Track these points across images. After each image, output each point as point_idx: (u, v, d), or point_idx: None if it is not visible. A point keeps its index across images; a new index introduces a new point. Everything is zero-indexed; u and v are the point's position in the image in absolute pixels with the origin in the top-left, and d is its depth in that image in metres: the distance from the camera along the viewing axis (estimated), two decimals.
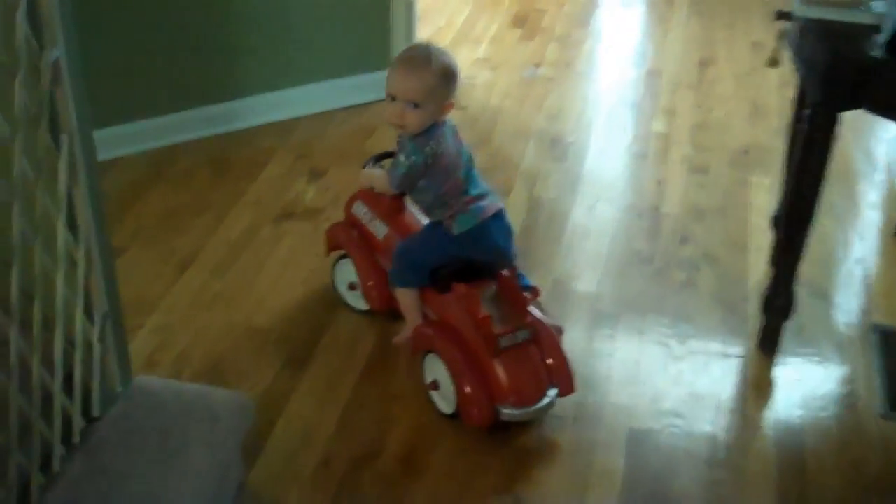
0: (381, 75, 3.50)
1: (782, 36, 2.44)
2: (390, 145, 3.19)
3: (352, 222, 2.55)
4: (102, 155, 3.10)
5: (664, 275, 2.75)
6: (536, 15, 4.37)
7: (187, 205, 2.95)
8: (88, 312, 1.81)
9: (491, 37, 4.16)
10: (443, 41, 4.07)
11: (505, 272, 2.25)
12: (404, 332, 2.38)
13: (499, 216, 2.28)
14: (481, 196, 2.26)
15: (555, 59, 3.99)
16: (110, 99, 3.09)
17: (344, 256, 2.53)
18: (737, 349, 2.48)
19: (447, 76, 2.19)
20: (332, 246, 2.57)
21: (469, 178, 2.26)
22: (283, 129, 3.35)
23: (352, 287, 2.52)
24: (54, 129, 1.64)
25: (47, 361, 1.68)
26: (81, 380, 1.78)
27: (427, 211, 2.34)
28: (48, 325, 1.68)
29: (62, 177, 1.64)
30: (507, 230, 2.32)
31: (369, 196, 2.47)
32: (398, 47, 3.65)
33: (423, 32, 4.09)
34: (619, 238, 2.90)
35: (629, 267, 2.78)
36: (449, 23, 4.26)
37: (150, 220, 2.88)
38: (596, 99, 3.71)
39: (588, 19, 4.35)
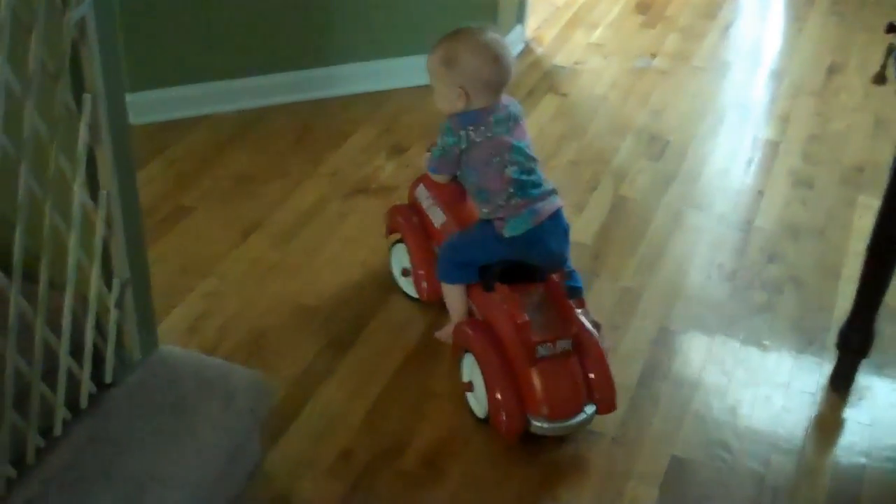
0: None
1: (892, 50, 2.23)
2: None
3: (414, 206, 2.47)
4: (191, 111, 3.14)
5: (743, 294, 2.57)
6: (662, 1, 4.17)
7: (264, 169, 2.91)
8: (107, 277, 1.79)
9: (609, 21, 3.98)
10: (556, 23, 3.93)
11: (555, 276, 2.14)
12: (447, 328, 2.30)
13: (555, 217, 2.17)
14: (538, 197, 2.15)
15: (672, 50, 3.79)
16: (203, 56, 3.09)
17: (401, 240, 2.46)
18: (807, 384, 2.30)
19: (446, 61, 2.14)
20: (391, 228, 2.50)
21: (523, 178, 2.14)
22: (374, 100, 3.28)
23: (405, 273, 2.44)
24: (78, 89, 1.61)
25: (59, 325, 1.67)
26: (93, 346, 1.76)
27: (474, 202, 2.25)
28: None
29: (82, 137, 1.61)
30: (562, 232, 2.20)
31: (432, 181, 2.38)
32: (506, 25, 3.54)
33: (539, 12, 3.96)
34: (701, 249, 2.73)
35: (706, 281, 2.61)
36: (568, 2, 4.10)
37: (224, 182, 2.86)
38: (707, 97, 3.50)
39: (717, 11, 4.12)
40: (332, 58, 3.25)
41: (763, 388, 2.29)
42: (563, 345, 2.04)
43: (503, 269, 2.14)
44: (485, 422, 2.11)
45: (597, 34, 3.88)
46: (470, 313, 2.26)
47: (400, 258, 2.46)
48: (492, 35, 2.18)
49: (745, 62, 3.80)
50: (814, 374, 2.33)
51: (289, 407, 2.15)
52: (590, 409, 2.07)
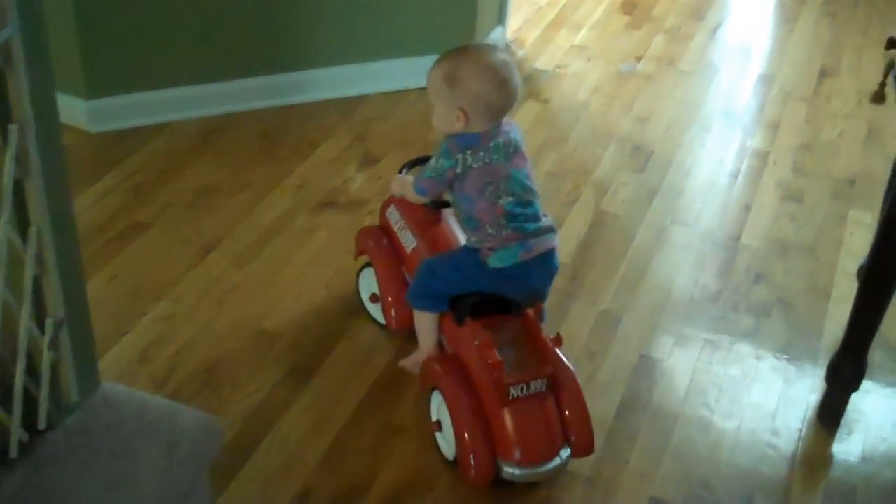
0: None
1: (892, 67, 2.10)
2: None
3: (385, 228, 2.32)
4: (151, 119, 3.00)
5: (728, 318, 2.44)
6: (648, 1, 4.03)
7: (227, 182, 2.77)
8: (41, 317, 1.65)
9: (594, 22, 3.84)
10: (539, 23, 3.79)
11: (530, 311, 2.00)
12: (414, 356, 2.17)
13: (546, 256, 2.03)
14: (532, 233, 2.00)
15: (658, 53, 3.65)
16: (165, 60, 2.94)
17: (370, 264, 2.31)
18: (793, 417, 2.18)
19: (449, 80, 1.97)
20: (360, 251, 2.36)
21: (517, 210, 1.98)
22: (346, 106, 3.14)
23: (373, 299, 2.30)
24: (4, 119, 1.47)
25: None
26: (24, 391, 1.62)
27: (462, 229, 2.11)
28: None
29: (7, 171, 1.47)
30: (549, 272, 2.07)
31: (405, 202, 2.23)
32: (485, 27, 3.40)
33: (521, 11, 3.82)
34: (684, 268, 2.60)
35: (690, 304, 2.48)
36: (552, 2, 3.95)
37: (183, 196, 2.72)
38: (693, 104, 3.36)
39: (705, 11, 3.98)
40: (299, 62, 3.11)
41: (748, 421, 2.17)
42: (538, 385, 1.90)
43: (477, 301, 2.00)
44: (453, 463, 1.98)
45: (580, 36, 3.74)
46: (440, 344, 2.13)
47: (369, 283, 2.32)
48: (501, 56, 2.02)
49: (734, 65, 3.66)
50: (801, 406, 2.21)
51: (243, 444, 2.02)
52: (565, 453, 1.94)
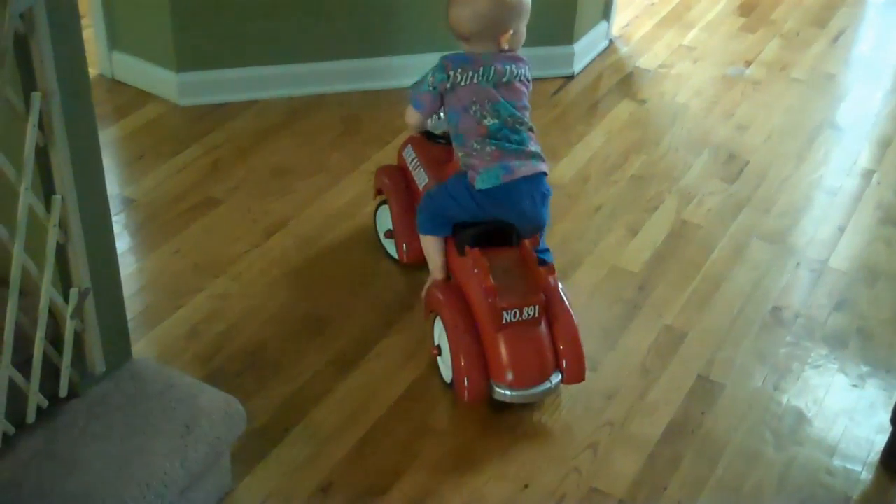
0: (561, 50, 3.23)
1: None
2: (549, 126, 2.99)
3: (401, 167, 2.43)
4: (238, 96, 3.01)
5: (800, 345, 2.30)
6: (769, 3, 3.84)
7: (304, 163, 2.77)
8: (66, 285, 1.67)
9: (707, 22, 3.69)
10: (648, 20, 3.66)
11: (527, 242, 2.10)
12: (427, 284, 2.24)
13: (533, 180, 2.11)
14: (514, 153, 2.09)
15: (771, 58, 3.48)
16: (255, 38, 2.95)
17: (386, 202, 2.42)
18: (854, 458, 2.04)
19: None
20: (378, 189, 2.46)
21: (501, 130, 2.09)
22: None
23: (388, 235, 2.42)
24: (28, 86, 1.48)
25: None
26: (43, 357, 1.64)
27: (454, 149, 2.20)
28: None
29: (29, 138, 1.48)
30: (539, 196, 2.14)
31: (419, 142, 2.37)
32: (588, 21, 3.30)
33: (631, 7, 3.70)
34: (762, 288, 2.46)
35: (761, 327, 2.35)
36: None
37: (258, 175, 2.72)
38: (800, 114, 3.18)
39: (829, 17, 3.77)
40: (388, 47, 3.07)
41: (802, 457, 2.03)
42: (530, 311, 2.00)
43: (477, 232, 2.10)
44: (451, 386, 2.08)
45: (690, 36, 3.59)
46: (447, 272, 2.21)
47: (385, 219, 2.43)
48: None
49: (851, 77, 3.46)
50: (864, 447, 2.06)
51: (274, 429, 2.01)
52: (556, 378, 2.04)
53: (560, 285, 2.11)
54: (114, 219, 2.46)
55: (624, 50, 3.47)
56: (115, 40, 3.02)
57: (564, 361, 2.05)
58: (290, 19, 2.95)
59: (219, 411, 1.79)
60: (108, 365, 1.79)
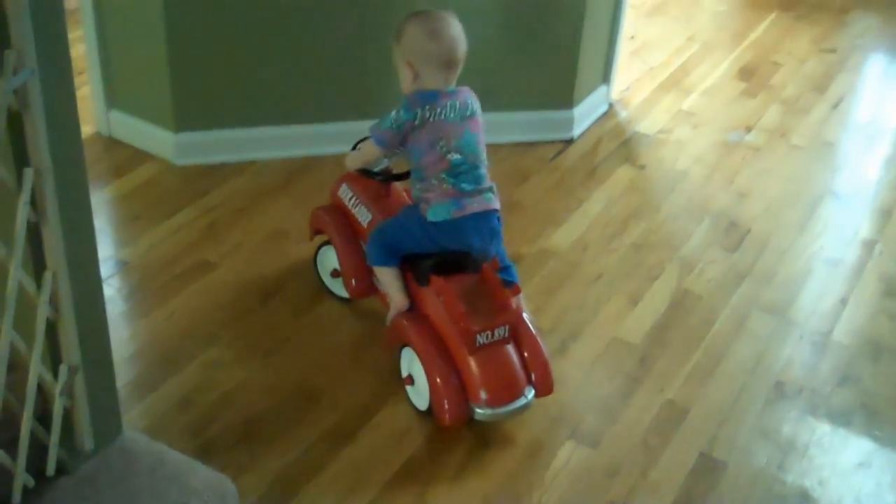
0: (560, 115, 3.21)
1: None
2: (548, 191, 3.02)
3: (337, 206, 2.47)
4: (236, 156, 2.99)
5: (805, 421, 2.26)
6: (768, 68, 3.84)
7: (299, 227, 2.73)
8: (55, 361, 1.62)
9: (707, 87, 3.68)
10: (648, 84, 3.65)
11: (487, 266, 2.19)
12: (390, 313, 2.26)
13: (482, 217, 2.17)
14: (469, 193, 2.16)
15: (771, 125, 3.47)
16: (253, 99, 2.94)
17: (328, 242, 2.45)
18: None
19: (396, 36, 2.21)
20: (315, 230, 2.50)
21: (463, 168, 2.16)
22: None
23: (335, 274, 2.44)
24: (20, 161, 1.45)
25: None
26: (30, 434, 1.59)
27: (410, 181, 2.26)
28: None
29: (20, 215, 1.44)
30: (489, 233, 2.19)
31: (355, 179, 2.42)
32: (588, 85, 3.29)
33: (630, 70, 3.70)
34: (765, 361, 2.43)
35: (765, 402, 2.31)
36: (665, 63, 3.82)
37: (254, 238, 2.69)
38: (801, 182, 3.16)
39: (828, 83, 3.77)
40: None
41: None
42: (501, 332, 2.09)
43: (436, 262, 2.15)
44: (426, 413, 2.15)
45: (690, 100, 3.58)
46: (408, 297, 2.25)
47: (328, 260, 2.46)
48: (438, 13, 2.21)
49: (851, 144, 3.45)
50: None
51: None
52: (530, 393, 2.12)
53: (521, 303, 2.18)
54: (107, 282, 2.49)
55: (623, 114, 3.46)
56: (113, 99, 3.00)
57: (533, 374, 2.13)
58: (289, 81, 2.93)
59: (211, 491, 1.74)
60: (98, 441, 1.74)
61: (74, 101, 1.50)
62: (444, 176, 2.15)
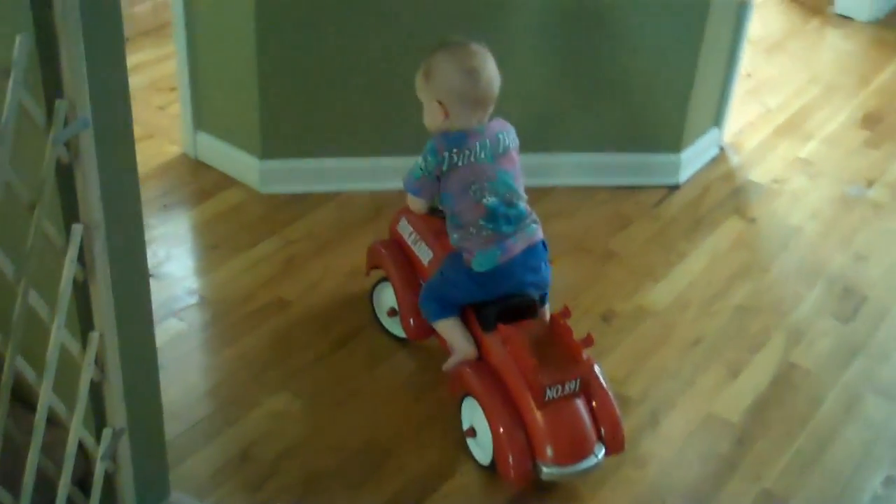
0: (666, 158, 3.02)
1: None
2: (648, 241, 2.85)
3: (396, 241, 2.35)
4: (322, 187, 2.87)
5: None
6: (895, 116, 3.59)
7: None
8: (99, 423, 1.52)
9: (827, 134, 3.44)
10: (763, 128, 3.42)
11: (556, 314, 2.04)
12: (453, 359, 2.14)
13: (530, 252, 2.07)
14: (509, 234, 2.05)
15: (895, 179, 3.22)
16: (342, 129, 2.83)
17: (385, 279, 2.33)
18: None
19: (425, 73, 2.08)
20: (373, 265, 2.38)
21: (500, 210, 2.05)
22: (530, 196, 2.90)
23: (391, 313, 2.32)
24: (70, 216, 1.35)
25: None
26: (67, 500, 1.49)
27: (447, 227, 2.15)
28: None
29: (66, 273, 1.34)
30: (536, 265, 2.09)
31: (415, 215, 2.28)
32: (698, 127, 3.10)
33: (745, 112, 3.47)
34: (875, 452, 2.20)
35: (871, 498, 2.09)
36: (783, 105, 3.58)
37: (333, 276, 2.57)
38: None
39: None
40: None
41: None
42: (571, 386, 1.96)
43: (502, 308, 2.05)
44: (488, 468, 2.03)
45: (808, 148, 3.35)
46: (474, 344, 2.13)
47: (386, 297, 2.34)
48: (473, 47, 2.09)
49: None
50: None
51: None
52: (600, 451, 2.00)
53: (590, 356, 2.03)
54: (179, 315, 2.40)
55: (735, 160, 3.24)
56: (201, 120, 2.92)
57: (603, 430, 2.01)
58: (380, 111, 2.81)
59: None
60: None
61: (133, 153, 1.39)
62: (482, 223, 2.05)
